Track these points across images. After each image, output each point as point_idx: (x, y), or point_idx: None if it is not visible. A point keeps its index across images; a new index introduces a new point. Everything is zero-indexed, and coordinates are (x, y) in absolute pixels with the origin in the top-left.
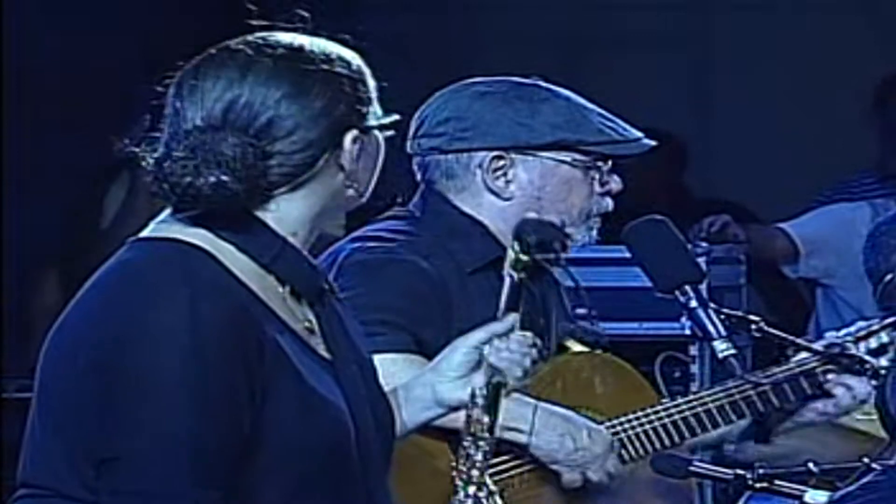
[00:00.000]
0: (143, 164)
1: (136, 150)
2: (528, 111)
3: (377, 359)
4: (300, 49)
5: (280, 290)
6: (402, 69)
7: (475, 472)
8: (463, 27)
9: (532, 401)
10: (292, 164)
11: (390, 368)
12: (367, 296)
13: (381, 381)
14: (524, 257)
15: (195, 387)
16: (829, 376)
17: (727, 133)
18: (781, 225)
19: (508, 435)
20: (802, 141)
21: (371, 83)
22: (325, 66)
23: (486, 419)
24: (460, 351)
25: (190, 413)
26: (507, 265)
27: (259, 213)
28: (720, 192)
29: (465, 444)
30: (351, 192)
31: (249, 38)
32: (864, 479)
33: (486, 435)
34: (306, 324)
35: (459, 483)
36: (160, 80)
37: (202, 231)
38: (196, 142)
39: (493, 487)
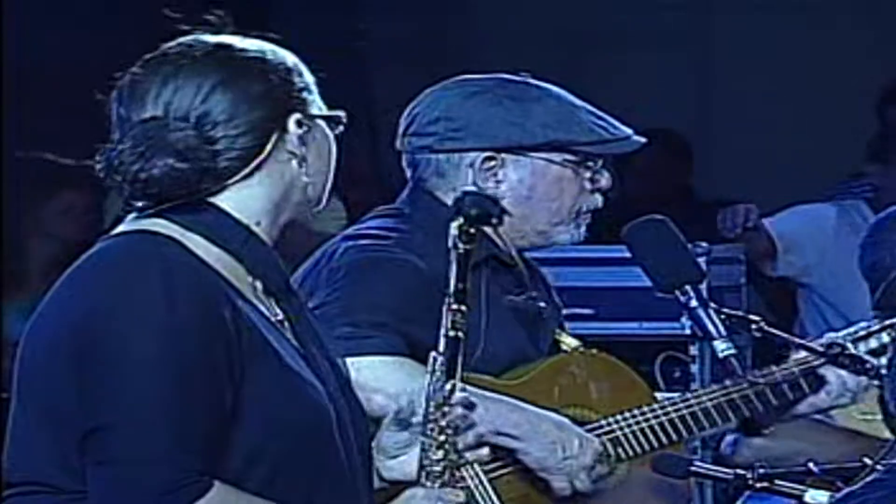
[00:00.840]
0: (97, 170)
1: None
2: (520, 111)
3: (367, 360)
4: (230, 44)
5: (250, 280)
6: (402, 68)
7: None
8: (463, 26)
9: (526, 406)
10: (239, 148)
11: (379, 371)
12: (360, 295)
13: (370, 382)
14: (468, 229)
15: (173, 358)
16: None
17: (728, 132)
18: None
19: (500, 440)
20: (803, 140)
21: (308, 76)
22: (257, 55)
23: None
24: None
25: (169, 382)
26: (450, 240)
27: (220, 203)
28: (720, 191)
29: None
30: (306, 179)
31: (182, 39)
32: (868, 478)
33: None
34: (278, 316)
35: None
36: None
37: (168, 223)
38: (140, 132)
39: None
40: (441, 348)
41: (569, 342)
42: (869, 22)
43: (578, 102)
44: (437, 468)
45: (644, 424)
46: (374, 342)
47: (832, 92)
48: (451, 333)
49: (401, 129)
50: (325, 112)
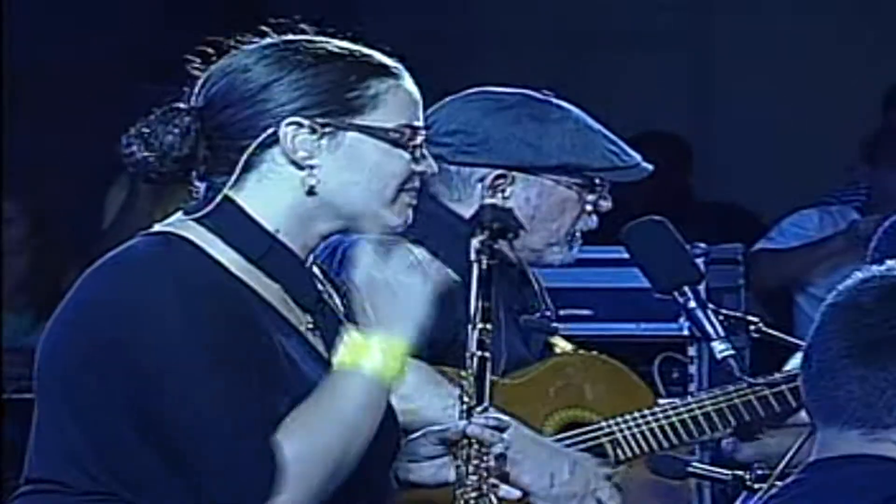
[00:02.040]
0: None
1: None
2: (537, 132)
3: None
4: (293, 40)
5: (276, 287)
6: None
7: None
8: (461, 27)
9: (524, 430)
10: (229, 138)
11: None
12: None
13: None
14: (491, 243)
15: (203, 345)
16: None
17: (727, 133)
18: (771, 246)
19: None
20: (802, 141)
21: (372, 85)
22: (303, 52)
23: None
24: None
25: (209, 369)
26: (472, 253)
27: (243, 203)
28: (720, 192)
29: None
30: (320, 186)
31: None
32: (790, 478)
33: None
34: (308, 325)
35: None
36: (160, 79)
37: (196, 226)
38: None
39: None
40: (470, 368)
41: (562, 346)
42: (870, 22)
43: (596, 126)
44: (471, 488)
45: (644, 427)
46: None
47: (832, 93)
48: (479, 353)
49: None
50: (375, 123)
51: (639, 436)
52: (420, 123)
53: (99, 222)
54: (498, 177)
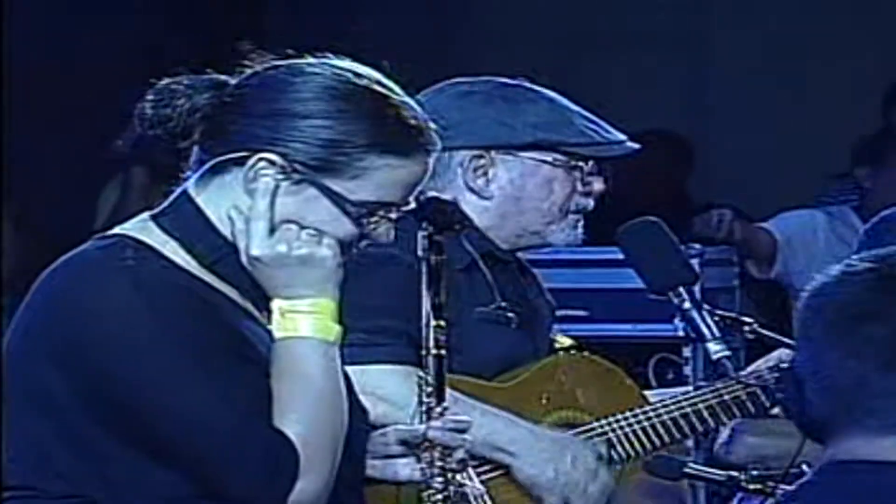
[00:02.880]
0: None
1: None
2: (510, 111)
3: (377, 368)
4: (345, 76)
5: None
6: (398, 69)
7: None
8: (460, 27)
9: (523, 422)
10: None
11: (386, 380)
12: (364, 297)
13: (377, 390)
14: (437, 237)
15: (173, 336)
16: None
17: (723, 134)
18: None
19: (495, 455)
20: (800, 142)
21: (367, 159)
22: (322, 86)
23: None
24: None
25: (187, 361)
26: (420, 250)
27: (201, 204)
28: (716, 193)
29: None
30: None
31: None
32: (802, 479)
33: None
34: (266, 324)
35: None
36: (155, 79)
37: (151, 225)
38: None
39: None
40: (427, 367)
41: (562, 342)
42: (868, 22)
43: (573, 107)
44: (436, 491)
45: (636, 426)
46: (385, 350)
47: (830, 94)
48: (435, 351)
49: None
50: (342, 191)
51: (632, 435)
52: (398, 200)
53: (91, 221)
54: (475, 158)
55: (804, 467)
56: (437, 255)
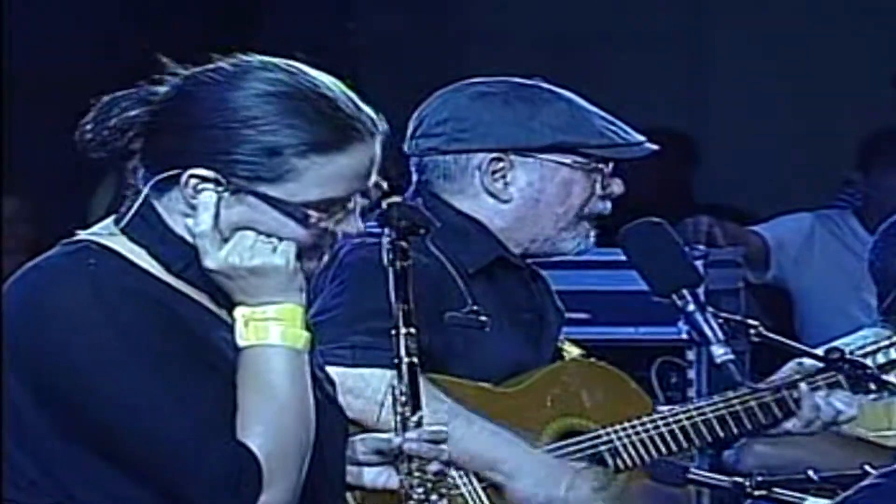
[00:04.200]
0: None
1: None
2: (528, 113)
3: (380, 372)
4: (255, 65)
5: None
6: (392, 67)
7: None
8: (455, 25)
9: (520, 443)
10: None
11: (378, 384)
12: (371, 299)
13: (379, 395)
14: (402, 244)
15: (132, 348)
16: (802, 387)
17: (724, 134)
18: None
19: (488, 473)
20: (800, 143)
21: (292, 162)
22: (256, 91)
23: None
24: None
25: (147, 375)
26: (384, 256)
27: (162, 212)
28: (717, 194)
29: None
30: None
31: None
32: (865, 482)
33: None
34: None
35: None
36: (143, 80)
37: (117, 232)
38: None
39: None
40: (400, 377)
41: (571, 351)
42: (870, 21)
43: (591, 107)
44: (416, 501)
45: (644, 435)
46: (377, 353)
47: (832, 94)
48: (407, 360)
49: (409, 132)
50: (281, 195)
51: (638, 444)
52: (346, 193)
53: (84, 223)
54: (494, 160)
55: (810, 473)
56: (402, 260)
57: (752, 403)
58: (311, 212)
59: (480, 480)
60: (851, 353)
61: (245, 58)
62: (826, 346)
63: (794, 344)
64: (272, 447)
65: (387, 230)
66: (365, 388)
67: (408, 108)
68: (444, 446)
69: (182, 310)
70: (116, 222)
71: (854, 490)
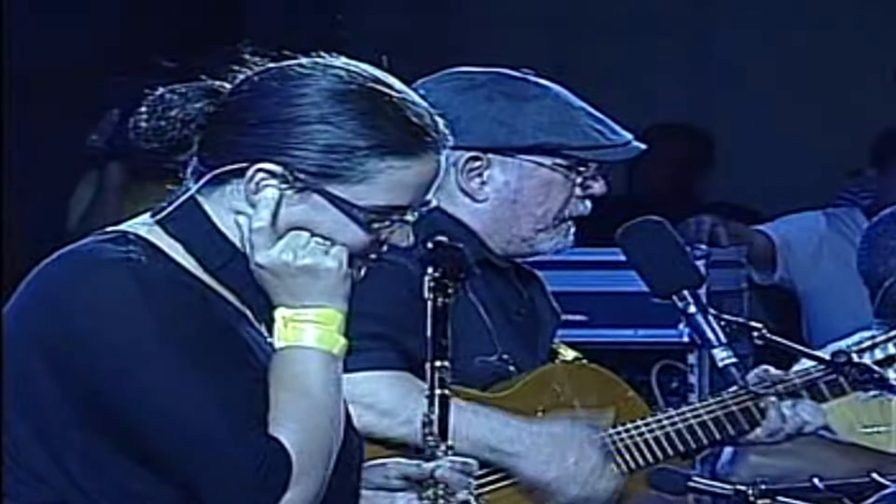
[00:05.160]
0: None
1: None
2: (511, 110)
3: (363, 375)
4: (332, 63)
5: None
6: (382, 59)
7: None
8: (448, 15)
9: (521, 421)
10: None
11: (374, 386)
12: (357, 302)
13: (365, 398)
14: (446, 282)
15: (175, 340)
16: (772, 399)
17: (728, 129)
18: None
19: (491, 457)
20: (810, 136)
21: (368, 163)
22: (317, 91)
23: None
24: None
25: (185, 365)
26: (426, 292)
27: (213, 217)
28: (720, 190)
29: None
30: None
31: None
32: (887, 491)
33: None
34: (269, 338)
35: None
36: (127, 75)
37: (154, 226)
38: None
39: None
40: (431, 407)
41: (566, 354)
42: (877, 9)
43: (578, 103)
44: None
45: (638, 438)
46: (373, 356)
47: (842, 86)
48: (440, 392)
49: None
50: (348, 196)
51: (633, 447)
52: (410, 202)
53: (64, 221)
54: (471, 159)
55: (815, 481)
56: (444, 297)
57: (749, 405)
58: (374, 216)
59: (482, 478)
60: (849, 351)
61: (325, 57)
62: (832, 350)
63: (798, 347)
64: (304, 444)
65: (430, 269)
66: (352, 391)
67: None
68: (472, 480)
69: (215, 305)
70: (153, 215)
71: (876, 498)
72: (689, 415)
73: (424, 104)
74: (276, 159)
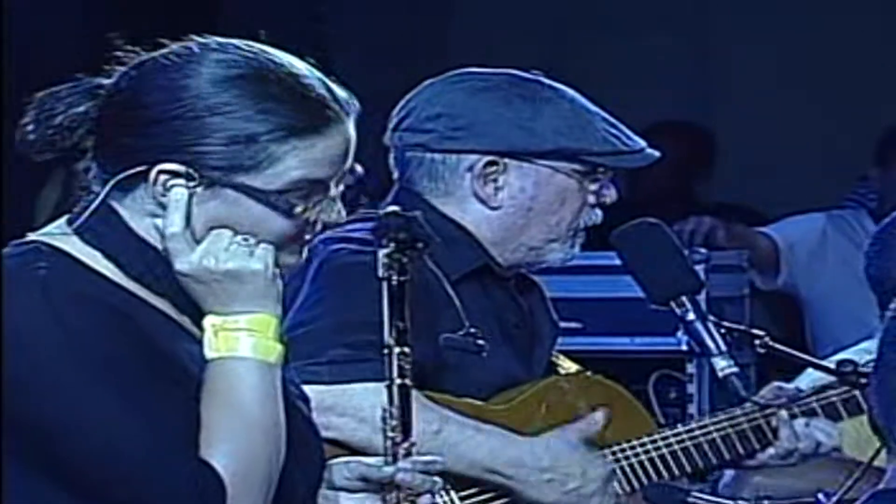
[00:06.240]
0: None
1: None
2: (530, 113)
3: (361, 387)
4: (212, 47)
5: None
6: (365, 53)
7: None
8: (438, 6)
9: (522, 440)
10: (80, 136)
11: (372, 399)
12: (351, 309)
13: (360, 412)
14: (400, 257)
15: (95, 379)
16: (781, 413)
17: (730, 125)
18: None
19: (491, 478)
20: (815, 135)
21: (270, 148)
22: (206, 77)
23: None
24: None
25: (110, 392)
26: (380, 268)
27: (123, 213)
28: (722, 191)
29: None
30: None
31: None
32: (871, 491)
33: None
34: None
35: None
36: (95, 70)
37: (71, 234)
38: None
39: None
40: (391, 400)
41: (565, 365)
42: (881, 7)
43: (593, 108)
44: None
45: (644, 457)
46: (369, 366)
47: (849, 83)
48: (399, 381)
49: (392, 123)
50: (259, 185)
51: (637, 466)
52: (325, 177)
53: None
54: (488, 164)
55: (820, 496)
56: (400, 274)
57: (761, 421)
58: (293, 200)
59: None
60: (862, 364)
61: (200, 40)
62: (838, 358)
63: (803, 356)
64: (238, 467)
65: (383, 242)
66: (347, 404)
67: (382, 96)
68: (437, 478)
69: (141, 318)
70: (70, 223)
71: (866, 497)
72: (697, 432)
73: (316, 74)
74: (176, 158)
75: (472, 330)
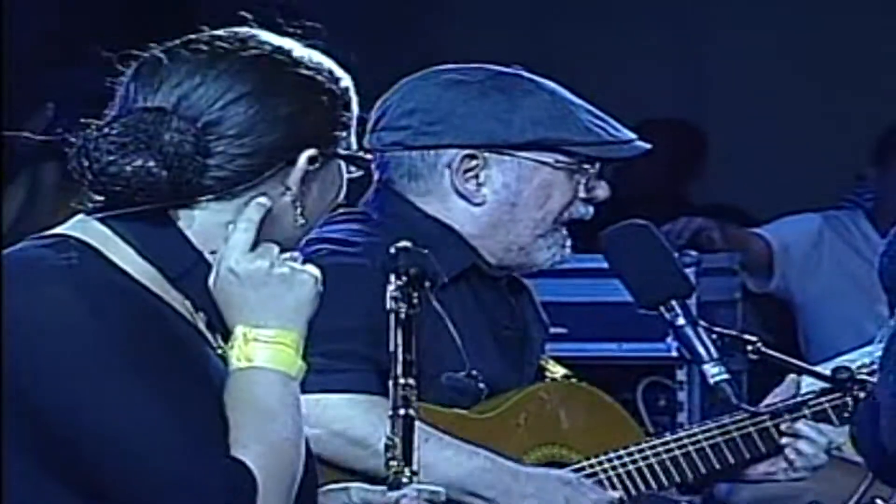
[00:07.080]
0: (70, 142)
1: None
2: (507, 105)
3: (336, 398)
4: (285, 51)
5: (189, 307)
6: (352, 48)
7: None
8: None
9: (506, 464)
10: (232, 169)
11: (348, 412)
12: (329, 315)
13: (335, 424)
14: (410, 291)
15: (128, 353)
16: (797, 424)
17: (721, 123)
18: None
19: (469, 500)
20: (810, 133)
21: (354, 110)
22: (306, 73)
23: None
24: None
25: (145, 388)
26: (389, 301)
27: (178, 219)
28: (714, 191)
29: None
30: (296, 219)
31: (237, 30)
32: None
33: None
34: (219, 351)
35: None
36: (66, 67)
37: (102, 229)
38: (136, 120)
39: None
40: (394, 429)
41: (554, 370)
42: (876, 4)
43: (577, 100)
44: None
45: (631, 467)
46: (345, 377)
47: (845, 81)
48: (403, 412)
49: (370, 124)
50: (351, 152)
51: (625, 476)
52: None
53: None
54: (467, 158)
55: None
56: (409, 308)
57: (752, 430)
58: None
59: None
60: (858, 370)
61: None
62: (833, 365)
63: (797, 362)
64: (269, 466)
65: (393, 277)
66: (320, 415)
67: (367, 94)
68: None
69: (167, 315)
70: (100, 218)
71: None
72: (685, 440)
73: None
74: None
75: (474, 373)
